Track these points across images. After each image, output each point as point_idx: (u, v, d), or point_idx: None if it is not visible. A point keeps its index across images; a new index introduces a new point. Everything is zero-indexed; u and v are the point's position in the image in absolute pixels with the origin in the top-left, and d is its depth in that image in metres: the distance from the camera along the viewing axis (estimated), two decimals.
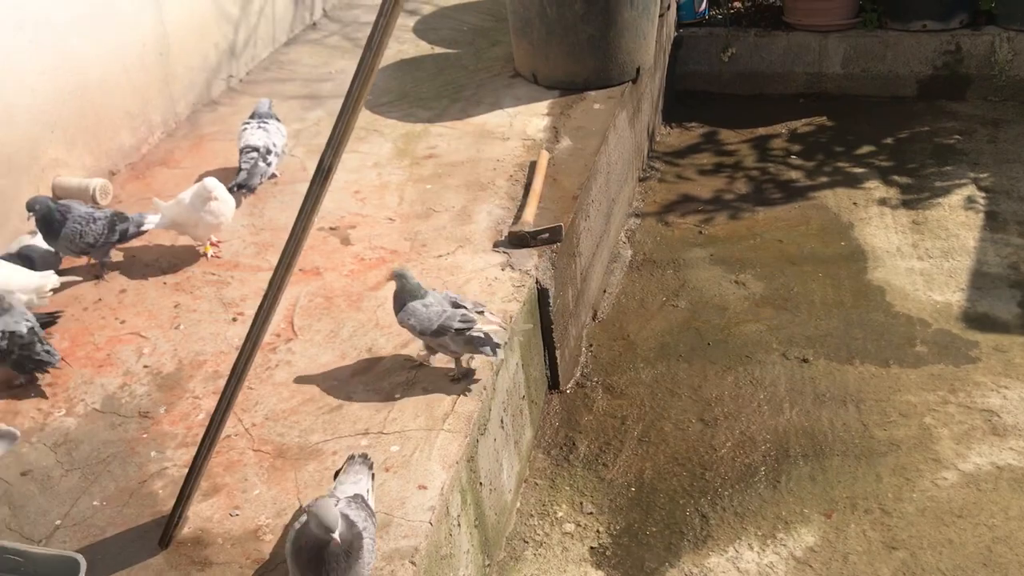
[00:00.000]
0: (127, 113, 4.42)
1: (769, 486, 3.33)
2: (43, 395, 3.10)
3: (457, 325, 2.91)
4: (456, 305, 2.99)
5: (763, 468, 3.39)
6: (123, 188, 4.26)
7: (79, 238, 3.46)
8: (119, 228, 3.56)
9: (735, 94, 6.39)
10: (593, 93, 4.85)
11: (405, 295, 2.99)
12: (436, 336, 2.94)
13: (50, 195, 3.96)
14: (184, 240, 3.83)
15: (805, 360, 3.91)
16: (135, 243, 3.85)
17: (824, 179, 5.27)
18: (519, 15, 4.90)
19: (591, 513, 3.28)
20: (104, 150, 4.29)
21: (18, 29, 3.74)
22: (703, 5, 6.43)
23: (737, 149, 5.72)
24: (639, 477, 3.40)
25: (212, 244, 3.77)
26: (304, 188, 4.30)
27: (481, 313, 3.01)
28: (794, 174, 5.38)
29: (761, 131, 5.89)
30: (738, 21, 6.43)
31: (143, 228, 3.65)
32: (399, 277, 3.00)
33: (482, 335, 2.94)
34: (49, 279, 3.38)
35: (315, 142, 4.61)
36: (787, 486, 3.33)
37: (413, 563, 2.43)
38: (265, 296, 2.34)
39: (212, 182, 3.56)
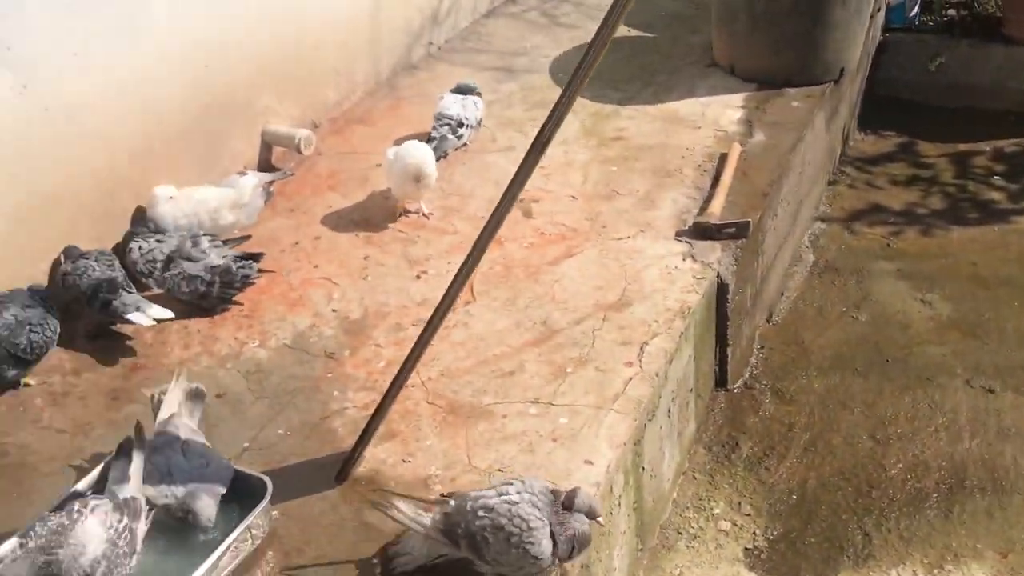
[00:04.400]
0: (334, 70, 4.62)
1: (940, 515, 3.18)
2: (240, 325, 3.31)
3: None
4: None
5: (935, 495, 3.25)
6: (323, 141, 4.45)
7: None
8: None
9: (939, 106, 6.02)
10: (792, 90, 4.71)
11: None
12: None
13: (259, 141, 4.20)
14: (377, 197, 4.00)
15: (991, 390, 3.70)
16: (334, 194, 4.05)
17: None
18: (724, 4, 4.82)
19: (748, 514, 3.24)
20: (310, 103, 4.50)
21: None
22: (915, 10, 6.13)
23: (935, 163, 5.44)
24: (802, 486, 3.32)
25: (424, 215, 3.88)
26: (492, 158, 4.43)
27: None
28: (995, 195, 5.08)
29: (963, 147, 5.56)
30: (950, 30, 6.09)
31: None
32: None
33: None
34: (246, 188, 3.67)
35: (505, 114, 4.69)
36: (960, 518, 3.17)
37: None
38: (468, 257, 2.39)
39: (413, 146, 3.68)
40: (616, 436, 2.76)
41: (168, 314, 3.18)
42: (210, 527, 2.39)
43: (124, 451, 2.43)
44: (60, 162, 3.28)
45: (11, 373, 2.96)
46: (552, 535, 2.21)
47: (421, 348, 2.51)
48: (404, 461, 2.73)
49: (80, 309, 3.21)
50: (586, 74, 2.10)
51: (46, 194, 3.25)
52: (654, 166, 4.18)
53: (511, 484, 2.28)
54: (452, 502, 2.32)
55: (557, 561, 2.23)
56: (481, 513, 2.23)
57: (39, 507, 2.52)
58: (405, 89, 5.00)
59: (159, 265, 3.37)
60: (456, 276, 2.42)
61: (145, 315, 3.14)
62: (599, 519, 2.35)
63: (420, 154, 3.69)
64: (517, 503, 2.23)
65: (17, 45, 3.05)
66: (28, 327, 2.97)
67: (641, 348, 3.08)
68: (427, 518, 2.31)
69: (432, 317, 2.48)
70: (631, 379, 2.96)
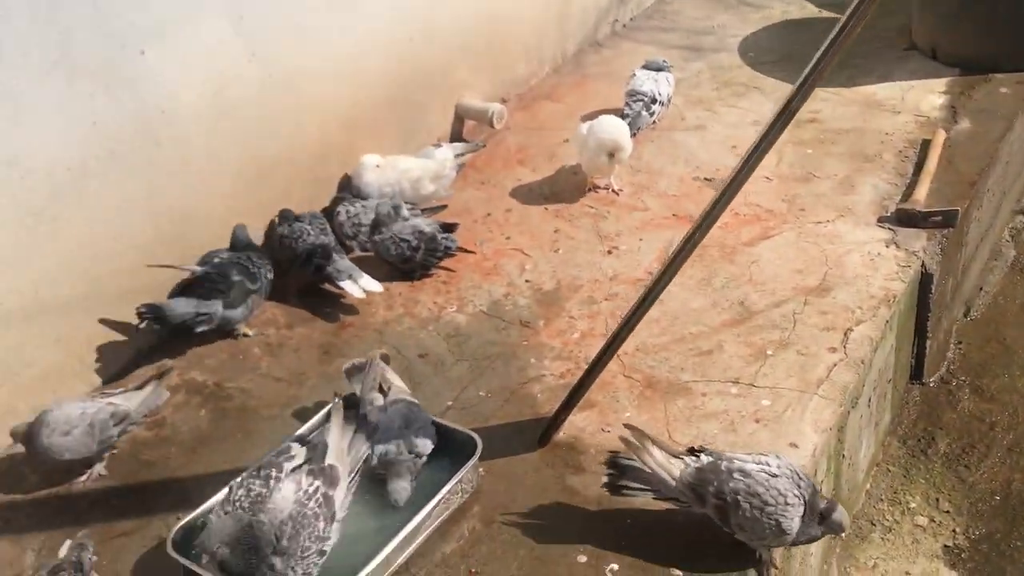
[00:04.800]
0: (524, 46, 4.69)
1: None
2: (438, 291, 3.42)
3: None
4: None
5: None
6: (511, 116, 4.51)
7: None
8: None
9: None
10: (1001, 76, 4.47)
11: None
12: None
13: (453, 115, 4.31)
14: (566, 172, 4.05)
15: None
16: (523, 168, 4.12)
17: None
18: None
19: (947, 512, 3.13)
20: (500, 79, 4.58)
21: None
22: None
23: None
24: (1006, 487, 3.18)
25: (614, 191, 3.89)
26: (681, 137, 4.40)
27: None
28: None
29: None
30: None
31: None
32: None
33: None
34: (447, 161, 3.78)
35: (693, 93, 4.64)
36: None
37: None
38: (692, 231, 2.39)
39: (610, 121, 3.70)
40: (821, 421, 2.72)
41: (378, 287, 3.31)
42: (400, 506, 2.48)
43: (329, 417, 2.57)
44: (280, 128, 3.47)
45: (243, 286, 3.14)
46: (803, 514, 2.20)
47: (636, 320, 2.53)
48: (603, 430, 2.76)
49: (291, 269, 3.39)
50: (841, 45, 2.06)
51: (266, 158, 3.44)
52: (852, 150, 4.05)
53: (768, 455, 2.28)
54: (704, 458, 2.32)
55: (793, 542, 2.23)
56: (737, 476, 2.23)
57: (261, 448, 2.70)
58: (590, 66, 5.02)
59: (364, 229, 3.52)
60: (679, 249, 2.43)
61: (356, 285, 3.28)
62: (843, 534, 2.33)
63: (616, 129, 3.71)
64: (777, 476, 2.22)
65: (248, 15, 3.23)
66: (248, 255, 3.21)
67: (845, 334, 3.01)
68: (676, 468, 2.31)
69: (648, 291, 2.50)
70: (835, 365, 2.90)
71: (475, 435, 2.59)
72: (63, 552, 2.38)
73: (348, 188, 3.75)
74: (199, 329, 3.09)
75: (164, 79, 3.02)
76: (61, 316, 2.93)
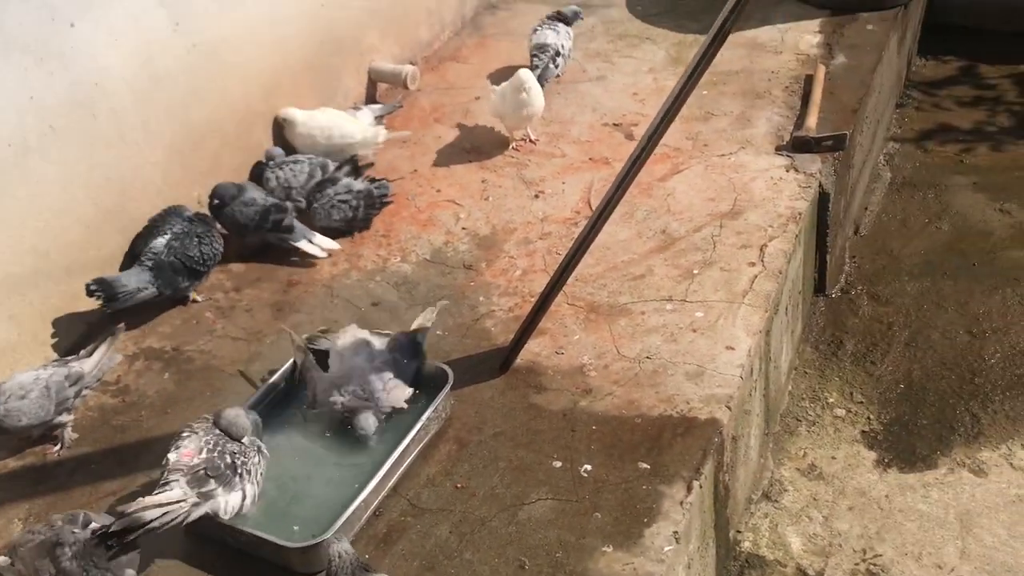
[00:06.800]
0: (427, 10, 4.82)
1: None
2: (379, 244, 3.55)
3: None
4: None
5: None
6: (421, 78, 4.65)
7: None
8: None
9: (994, 30, 6.17)
10: (865, 15, 4.88)
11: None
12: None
13: (366, 78, 4.42)
14: (484, 127, 4.22)
15: None
16: (441, 126, 4.27)
17: None
18: None
19: (861, 402, 3.49)
20: (407, 42, 4.70)
21: None
22: None
23: (998, 84, 5.58)
24: (907, 376, 3.57)
25: (531, 141, 4.08)
26: (585, 87, 4.63)
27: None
28: None
29: None
30: None
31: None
32: None
33: None
34: (380, 131, 3.90)
35: (590, 47, 4.87)
36: None
37: (729, 408, 2.73)
38: (626, 170, 2.63)
39: (526, 73, 3.88)
40: (751, 326, 3.01)
41: (335, 245, 3.44)
42: (369, 437, 2.68)
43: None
44: (206, 97, 3.51)
45: (184, 285, 3.21)
46: None
47: (580, 255, 2.76)
48: (557, 353, 2.98)
49: (245, 233, 3.43)
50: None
51: (197, 126, 3.49)
52: (743, 89, 4.37)
53: None
54: None
55: None
56: None
57: (233, 401, 2.79)
58: (489, 27, 5.18)
59: (295, 192, 3.61)
60: (614, 189, 2.66)
61: (314, 245, 3.40)
62: None
63: (525, 75, 3.87)
64: None
65: None
66: (198, 239, 3.22)
67: (761, 249, 3.32)
68: None
69: (592, 224, 2.71)
70: (756, 276, 3.20)
71: (445, 366, 2.76)
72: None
73: (279, 143, 3.82)
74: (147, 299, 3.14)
75: (95, 51, 3.04)
76: (13, 293, 2.94)
